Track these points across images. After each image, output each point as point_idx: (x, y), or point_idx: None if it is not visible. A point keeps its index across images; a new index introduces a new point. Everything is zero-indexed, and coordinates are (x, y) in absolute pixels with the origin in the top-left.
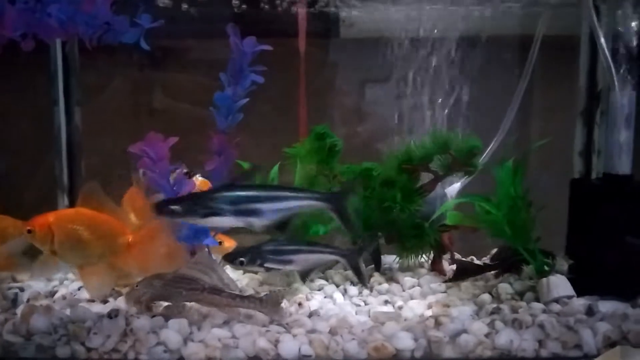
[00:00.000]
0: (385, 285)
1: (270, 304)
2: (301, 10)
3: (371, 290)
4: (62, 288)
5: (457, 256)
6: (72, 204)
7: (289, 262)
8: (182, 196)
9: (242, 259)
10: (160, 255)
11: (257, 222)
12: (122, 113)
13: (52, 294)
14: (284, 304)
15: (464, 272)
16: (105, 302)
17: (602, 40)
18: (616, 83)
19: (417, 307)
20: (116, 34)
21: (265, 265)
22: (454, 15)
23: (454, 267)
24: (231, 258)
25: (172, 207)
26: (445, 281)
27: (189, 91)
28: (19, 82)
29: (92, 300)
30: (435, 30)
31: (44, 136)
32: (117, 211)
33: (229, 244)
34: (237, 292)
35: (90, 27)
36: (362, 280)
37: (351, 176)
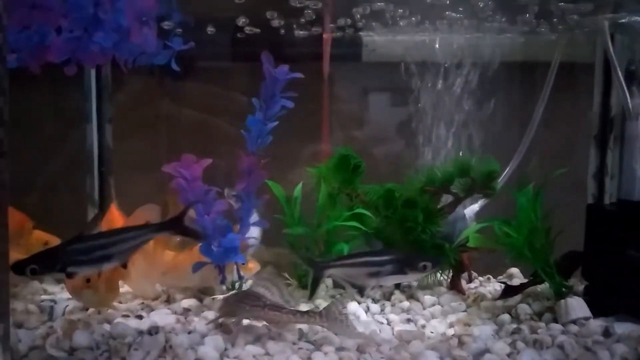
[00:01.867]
0: (406, 303)
1: (329, 317)
2: (326, 36)
3: (392, 306)
4: None
5: (474, 275)
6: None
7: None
8: (37, 254)
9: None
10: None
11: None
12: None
13: (85, 307)
14: (344, 315)
15: (511, 290)
16: (140, 317)
17: (618, 69)
18: (632, 112)
19: (439, 326)
20: (149, 56)
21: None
22: (473, 42)
23: (471, 285)
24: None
25: (31, 266)
26: (497, 299)
27: (220, 108)
28: (52, 99)
29: (126, 315)
30: (455, 57)
31: (76, 152)
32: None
33: (253, 265)
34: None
35: (131, 53)
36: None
37: (374, 196)
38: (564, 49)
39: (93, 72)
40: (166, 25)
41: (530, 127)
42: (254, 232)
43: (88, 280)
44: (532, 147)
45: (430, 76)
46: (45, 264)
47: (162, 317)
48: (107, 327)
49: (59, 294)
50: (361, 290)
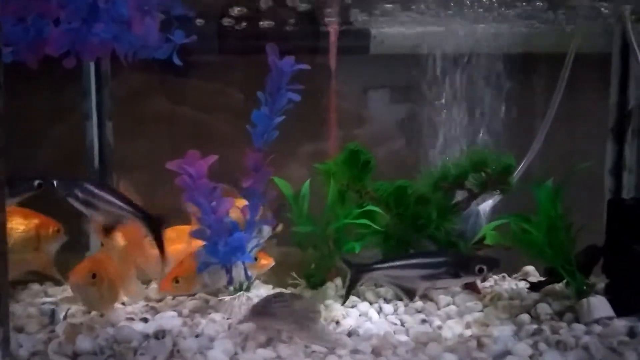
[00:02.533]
0: (420, 303)
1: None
2: (333, 29)
3: (406, 306)
4: None
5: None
6: None
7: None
8: None
9: None
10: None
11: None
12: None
13: (87, 310)
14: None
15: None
16: (145, 320)
17: None
18: None
19: (455, 327)
20: (150, 49)
21: None
22: (484, 33)
23: (485, 284)
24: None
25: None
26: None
27: (222, 105)
28: (51, 95)
29: (131, 318)
30: (466, 47)
31: (76, 150)
32: None
33: (266, 261)
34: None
35: (132, 45)
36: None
37: (384, 193)
38: (581, 39)
39: (92, 68)
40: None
41: (546, 121)
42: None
43: (94, 276)
44: (548, 141)
45: (442, 69)
46: None
47: (168, 320)
48: (111, 331)
49: (59, 295)
50: (410, 294)
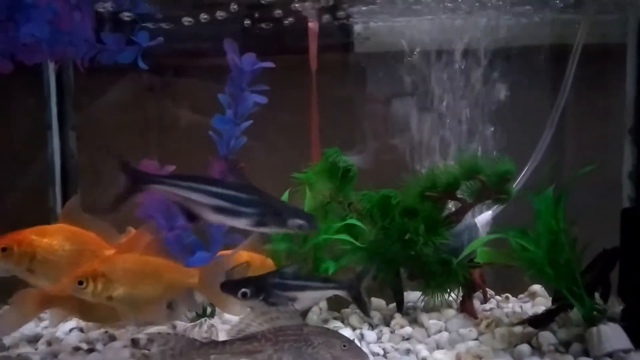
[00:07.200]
0: (408, 329)
1: None
2: (312, 25)
3: (392, 332)
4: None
5: (490, 293)
6: None
7: (294, 299)
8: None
9: (245, 290)
10: None
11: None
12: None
13: (37, 338)
14: None
15: (539, 322)
16: (91, 350)
17: None
18: None
19: (444, 358)
20: (112, 53)
21: (270, 300)
22: (479, 26)
23: (486, 306)
24: (231, 287)
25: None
26: (530, 340)
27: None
28: (11, 106)
29: (77, 348)
30: (463, 41)
31: (37, 162)
32: (99, 227)
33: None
34: None
35: (75, 46)
36: (364, 311)
37: (368, 204)
38: (589, 29)
39: (53, 77)
40: (127, 16)
41: (551, 122)
42: None
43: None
44: (555, 144)
45: (434, 65)
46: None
47: (116, 352)
48: None
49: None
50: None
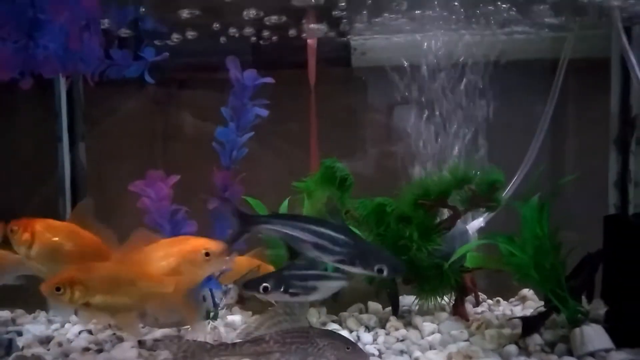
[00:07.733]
0: (403, 331)
1: None
2: (311, 41)
3: (387, 334)
4: (62, 331)
5: (482, 297)
6: None
7: (313, 289)
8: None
9: (265, 284)
10: None
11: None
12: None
13: (48, 339)
14: None
15: (531, 327)
16: (100, 351)
17: (635, 64)
18: None
19: (435, 358)
20: (120, 68)
21: (290, 291)
22: (472, 42)
23: (477, 310)
24: (253, 285)
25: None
26: (517, 340)
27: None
28: (23, 118)
29: (87, 349)
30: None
31: (48, 173)
32: (103, 232)
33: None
34: None
35: (86, 62)
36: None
37: (364, 212)
38: (574, 44)
39: (64, 90)
40: (126, 33)
41: (539, 132)
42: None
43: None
44: (543, 153)
45: (425, 79)
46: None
47: (123, 351)
48: None
49: (27, 324)
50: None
